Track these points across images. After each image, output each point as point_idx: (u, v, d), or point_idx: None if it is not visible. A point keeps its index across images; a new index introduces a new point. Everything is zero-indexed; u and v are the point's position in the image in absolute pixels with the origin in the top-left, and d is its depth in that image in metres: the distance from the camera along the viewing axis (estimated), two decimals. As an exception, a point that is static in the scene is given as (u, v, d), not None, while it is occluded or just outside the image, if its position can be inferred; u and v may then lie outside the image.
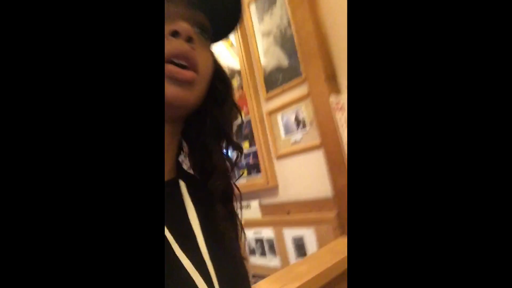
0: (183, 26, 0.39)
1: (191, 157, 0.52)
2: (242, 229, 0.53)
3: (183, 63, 0.39)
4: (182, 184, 0.45)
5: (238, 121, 0.54)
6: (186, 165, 0.52)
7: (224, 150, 0.51)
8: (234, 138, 0.52)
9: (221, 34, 0.48)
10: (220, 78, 0.51)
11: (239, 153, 0.52)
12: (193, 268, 0.38)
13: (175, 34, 0.39)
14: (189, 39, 0.39)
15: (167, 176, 0.44)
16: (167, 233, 0.39)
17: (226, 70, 0.54)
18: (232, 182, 0.51)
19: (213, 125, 0.49)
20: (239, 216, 0.52)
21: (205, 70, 0.43)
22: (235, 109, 0.52)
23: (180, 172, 0.48)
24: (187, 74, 0.39)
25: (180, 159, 0.51)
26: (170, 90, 0.38)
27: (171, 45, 0.38)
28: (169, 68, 0.38)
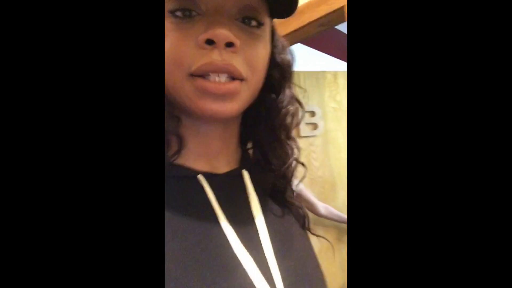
0: (218, 33, 0.34)
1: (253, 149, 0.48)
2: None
3: (223, 74, 0.35)
4: (246, 175, 0.43)
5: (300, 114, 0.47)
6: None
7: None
8: (292, 134, 0.46)
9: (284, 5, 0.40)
10: (275, 64, 0.43)
11: (292, 152, 0.46)
12: (255, 266, 0.36)
13: (210, 42, 0.35)
14: (228, 44, 0.35)
15: (228, 167, 0.42)
16: (227, 227, 0.37)
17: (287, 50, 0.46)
18: (288, 181, 0.46)
19: (268, 118, 0.44)
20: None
21: (256, 67, 0.38)
22: (293, 100, 0.45)
23: (246, 162, 0.45)
24: (224, 88, 0.36)
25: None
26: (208, 106, 0.36)
27: (207, 57, 0.35)
28: (203, 84, 0.35)
